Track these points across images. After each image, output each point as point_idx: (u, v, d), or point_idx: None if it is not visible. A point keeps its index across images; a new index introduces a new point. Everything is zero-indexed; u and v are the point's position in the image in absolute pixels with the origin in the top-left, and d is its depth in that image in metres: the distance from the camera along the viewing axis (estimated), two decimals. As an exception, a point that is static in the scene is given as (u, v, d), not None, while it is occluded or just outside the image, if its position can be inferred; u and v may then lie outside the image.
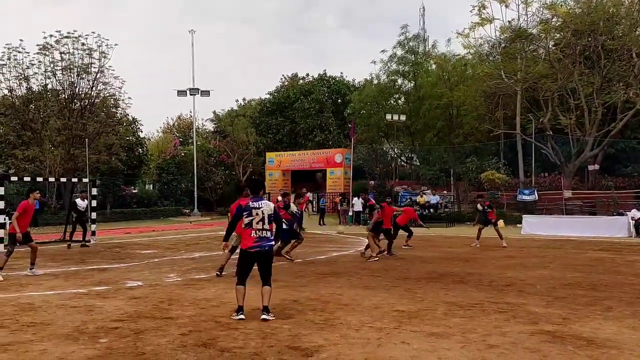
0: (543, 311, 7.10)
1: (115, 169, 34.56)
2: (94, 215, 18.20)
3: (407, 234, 15.65)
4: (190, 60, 40.40)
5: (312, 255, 13.09)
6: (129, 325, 6.35)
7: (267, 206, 6.94)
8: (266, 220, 6.82)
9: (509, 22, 31.65)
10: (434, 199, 28.79)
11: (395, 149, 40.81)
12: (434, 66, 36.93)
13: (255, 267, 6.93)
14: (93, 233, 17.85)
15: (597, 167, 30.40)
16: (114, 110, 35.73)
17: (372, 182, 37.71)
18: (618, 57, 28.25)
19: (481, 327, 6.26)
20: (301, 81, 49.06)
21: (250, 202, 6.97)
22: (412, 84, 37.81)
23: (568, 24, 28.41)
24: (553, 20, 30.18)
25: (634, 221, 20.26)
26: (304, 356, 5.13)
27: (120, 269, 11.44)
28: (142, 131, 42.10)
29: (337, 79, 47.65)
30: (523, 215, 23.80)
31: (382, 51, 37.60)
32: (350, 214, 29.36)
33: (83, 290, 8.76)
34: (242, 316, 6.65)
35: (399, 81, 38.44)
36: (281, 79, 51.76)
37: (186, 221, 31.87)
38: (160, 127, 59.31)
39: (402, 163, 42.78)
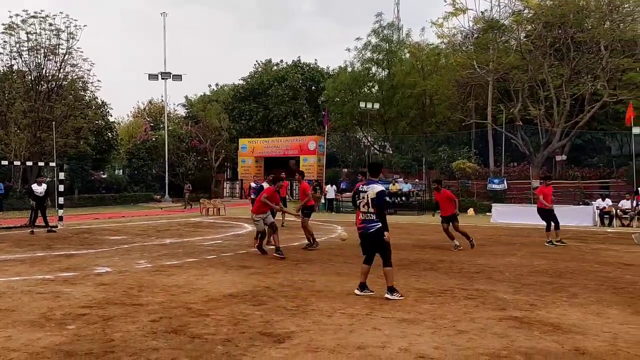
0: (511, 298, 7.23)
1: (84, 153, 33.86)
2: (61, 200, 17.81)
3: None
4: (162, 43, 39.49)
5: (285, 242, 13.04)
6: (97, 311, 6.23)
7: (371, 190, 7.11)
8: (370, 205, 7.06)
9: (482, 12, 32.07)
10: (406, 187, 29.02)
11: (369, 137, 40.95)
12: (407, 55, 37.10)
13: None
14: (60, 218, 17.50)
15: (564, 157, 31.08)
16: (82, 93, 34.92)
17: (345, 169, 37.83)
18: (587, 49, 28.82)
19: (451, 313, 6.34)
20: (275, 67, 48.68)
21: (361, 185, 7.38)
22: (385, 73, 37.93)
23: (539, 15, 28.84)
24: (525, 11, 30.60)
25: (599, 211, 20.79)
26: (276, 342, 5.12)
27: (88, 254, 11.22)
28: (111, 115, 41.33)
29: (312, 65, 47.47)
30: (493, 204, 24.20)
31: (357, 39, 37.73)
32: (323, 201, 29.41)
33: (50, 276, 8.57)
34: (361, 292, 7.21)
35: (373, 69, 38.55)
36: (255, 64, 51.34)
37: (157, 207, 31.47)
38: (131, 112, 58.26)
39: (375, 151, 43.01)
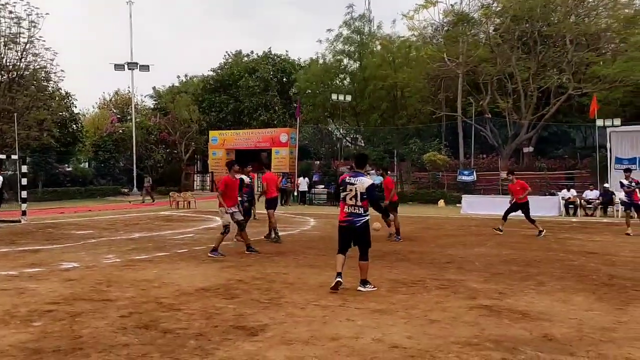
0: (481, 287, 7.35)
1: (48, 145, 32.89)
2: (24, 194, 17.33)
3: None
4: (129, 32, 38.66)
5: (257, 235, 12.99)
6: (64, 307, 6.08)
7: (360, 183, 6.97)
8: (359, 198, 6.93)
9: (452, 5, 32.32)
10: (378, 179, 29.09)
11: (341, 130, 41.01)
12: (379, 47, 37.18)
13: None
14: (24, 213, 17.03)
15: (531, 149, 31.74)
16: (45, 83, 33.80)
17: (318, 162, 37.83)
18: (553, 43, 29.43)
19: (423, 303, 6.41)
20: (245, 58, 48.19)
21: (347, 177, 7.12)
22: (357, 65, 37.94)
23: (507, 9, 29.28)
24: (493, 5, 31.01)
25: (564, 201, 21.31)
26: (249, 335, 5.09)
27: (54, 250, 10.95)
28: (76, 106, 40.14)
29: (283, 57, 47.14)
30: (463, 195, 24.57)
31: (328, 30, 37.61)
32: (296, 193, 29.39)
33: (14, 272, 8.32)
34: (339, 279, 6.93)
35: (345, 61, 38.52)
36: (225, 55, 50.72)
37: (125, 201, 30.89)
38: (96, 103, 56.91)
39: (347, 143, 43.10)
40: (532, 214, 14.39)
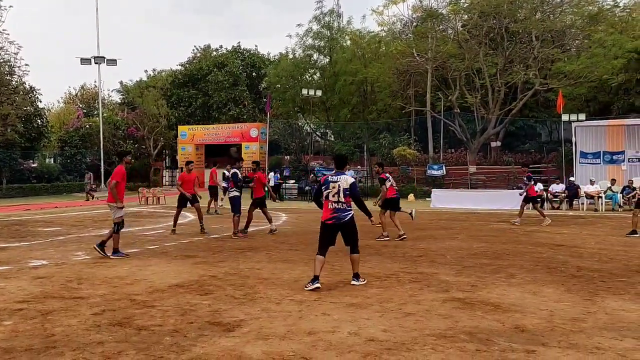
0: (453, 280, 7.47)
1: (12, 141, 32.04)
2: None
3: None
4: (95, 26, 37.78)
5: (229, 230, 12.92)
6: (35, 306, 5.95)
7: (344, 180, 7.16)
8: (341, 194, 7.08)
9: (421, 1, 32.56)
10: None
11: (311, 124, 40.99)
12: (349, 42, 37.22)
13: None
14: (-12, 210, 16.54)
15: (499, 143, 32.33)
16: (8, 78, 32.90)
17: (288, 157, 37.77)
18: (519, 39, 29.95)
19: (397, 296, 6.49)
20: (214, 53, 47.69)
21: (330, 176, 7.29)
22: (327, 60, 37.91)
23: (475, 5, 29.66)
24: (461, 1, 31.39)
25: (531, 194, 21.75)
26: (226, 331, 5.07)
27: (21, 247, 10.68)
28: (41, 101, 39.23)
29: (252, 51, 46.82)
30: (432, 190, 24.88)
31: (298, 25, 37.54)
32: (266, 188, 29.22)
33: (-20, 271, 8.10)
34: (317, 285, 6.80)
35: (315, 56, 38.40)
36: (193, 50, 50.11)
37: (92, 197, 30.25)
38: (62, 98, 55.72)
39: (317, 138, 43.13)
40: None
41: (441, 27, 32.45)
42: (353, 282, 7.18)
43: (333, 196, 7.11)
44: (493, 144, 32.38)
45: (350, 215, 7.15)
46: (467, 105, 30.66)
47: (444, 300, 6.29)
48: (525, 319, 5.47)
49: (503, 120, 30.68)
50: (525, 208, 15.80)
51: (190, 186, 13.17)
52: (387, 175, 12.73)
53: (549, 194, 21.69)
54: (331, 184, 7.16)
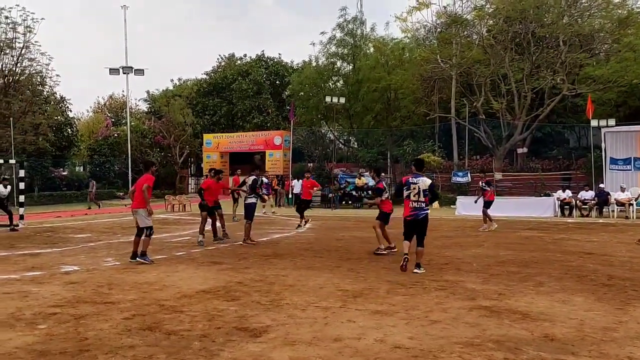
0: (480, 287, 7.41)
1: (43, 150, 32.87)
2: (22, 198, 17.29)
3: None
4: (123, 36, 38.56)
5: (254, 237, 13.01)
6: (68, 310, 6.11)
7: (422, 182, 8.43)
8: (421, 194, 8.38)
9: (445, 7, 32.42)
10: (372, 181, 29.21)
11: (334, 132, 41.07)
12: (372, 49, 37.27)
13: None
14: (21, 217, 16.98)
15: (525, 150, 31.88)
16: (40, 88, 33.84)
17: (311, 164, 37.87)
18: (546, 44, 29.57)
19: (423, 304, 6.47)
20: (238, 62, 48.21)
21: (410, 178, 8.55)
22: (351, 67, 38.02)
23: (500, 10, 29.38)
24: (487, 6, 31.15)
25: (559, 202, 21.42)
26: (253, 337, 5.13)
27: (53, 253, 10.95)
28: (71, 110, 40.21)
29: (276, 60, 47.19)
30: (457, 197, 24.65)
31: (322, 33, 37.60)
32: (290, 195, 29.40)
33: (15, 275, 8.33)
34: (406, 257, 8.52)
35: (338, 64, 38.56)
36: (218, 58, 50.74)
37: (120, 204, 30.79)
38: (91, 107, 56.84)
39: (340, 145, 43.15)
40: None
41: (466, 32, 32.25)
42: (415, 271, 8.31)
43: (414, 196, 8.36)
44: (519, 151, 31.94)
45: (425, 213, 8.41)
46: (492, 112, 30.35)
47: (471, 308, 6.25)
48: (555, 328, 5.40)
49: (530, 127, 30.27)
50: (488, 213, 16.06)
51: (216, 194, 13.36)
52: (385, 185, 11.54)
53: (577, 201, 21.32)
54: (412, 185, 8.37)
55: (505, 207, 21.41)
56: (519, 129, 29.69)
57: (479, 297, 6.84)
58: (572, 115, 32.08)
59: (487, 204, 16.10)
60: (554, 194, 22.59)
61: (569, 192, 22.12)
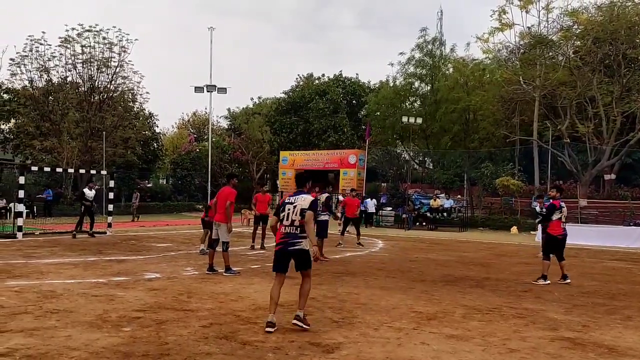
0: (562, 318, 7.06)
1: (131, 162, 34.85)
2: (110, 207, 18.40)
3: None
4: (208, 56, 40.35)
5: (326, 254, 13.09)
6: (150, 315, 6.42)
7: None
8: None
9: (529, 28, 31.53)
10: (447, 203, 28.66)
11: (410, 152, 40.73)
12: (451, 70, 36.80)
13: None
14: (109, 225, 18.04)
15: (613, 176, 30.15)
16: (131, 104, 36.07)
17: (385, 184, 37.69)
18: (638, 66, 27.99)
19: (500, 331, 6.25)
20: (317, 81, 49.09)
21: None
22: (429, 87, 37.70)
23: (589, 31, 28.20)
24: (574, 27, 29.98)
25: (650, 232, 20.05)
26: (325, 352, 5.16)
27: (137, 260, 11.54)
28: (157, 126, 42.48)
29: (353, 80, 47.66)
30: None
31: (400, 53, 37.66)
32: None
33: (103, 280, 8.87)
34: None
35: (416, 84, 38.36)
36: (296, 78, 51.92)
37: (200, 217, 31.94)
38: (176, 123, 59.76)
39: (415, 166, 42.68)
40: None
41: (550, 53, 31.16)
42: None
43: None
44: (607, 177, 30.25)
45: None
46: (578, 135, 29.00)
47: (552, 338, 5.97)
48: (645, 366, 5.06)
49: (619, 152, 28.63)
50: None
51: (264, 206, 14.69)
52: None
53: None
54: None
55: (590, 236, 20.32)
56: (606, 154, 28.16)
57: (561, 327, 6.51)
58: (666, 140, 30.03)
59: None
60: (644, 223, 21.20)
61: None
